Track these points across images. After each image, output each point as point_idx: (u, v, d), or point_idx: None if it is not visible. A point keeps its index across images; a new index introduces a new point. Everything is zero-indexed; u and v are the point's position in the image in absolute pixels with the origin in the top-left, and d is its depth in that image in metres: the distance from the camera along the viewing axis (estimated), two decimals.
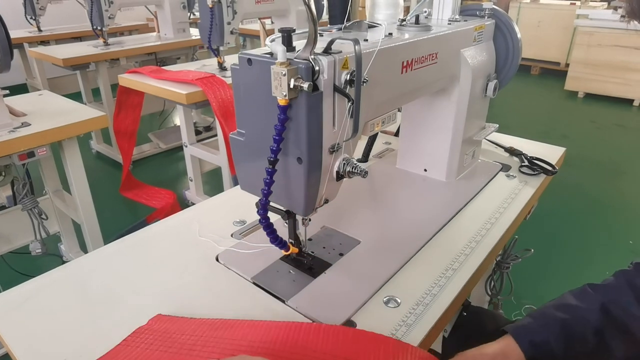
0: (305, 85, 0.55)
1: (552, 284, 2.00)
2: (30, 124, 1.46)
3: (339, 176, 0.68)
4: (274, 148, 0.61)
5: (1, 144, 1.33)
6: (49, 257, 2.00)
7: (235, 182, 2.20)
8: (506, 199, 1.03)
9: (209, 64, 2.37)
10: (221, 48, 2.19)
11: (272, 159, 0.61)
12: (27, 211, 1.65)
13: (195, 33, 3.34)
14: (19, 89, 1.95)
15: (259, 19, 2.53)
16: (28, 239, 1.81)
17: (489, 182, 1.10)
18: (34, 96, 1.82)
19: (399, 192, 1.05)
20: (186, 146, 2.41)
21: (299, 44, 0.62)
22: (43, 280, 0.77)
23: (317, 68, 0.58)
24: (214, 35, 2.12)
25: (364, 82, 0.61)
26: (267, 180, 0.62)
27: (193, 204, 2.59)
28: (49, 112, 1.61)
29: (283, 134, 0.61)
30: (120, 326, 0.66)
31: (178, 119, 3.92)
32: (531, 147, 1.28)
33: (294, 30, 0.61)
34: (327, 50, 0.61)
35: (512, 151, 1.26)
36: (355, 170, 0.67)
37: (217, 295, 0.73)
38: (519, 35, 1.06)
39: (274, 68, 0.56)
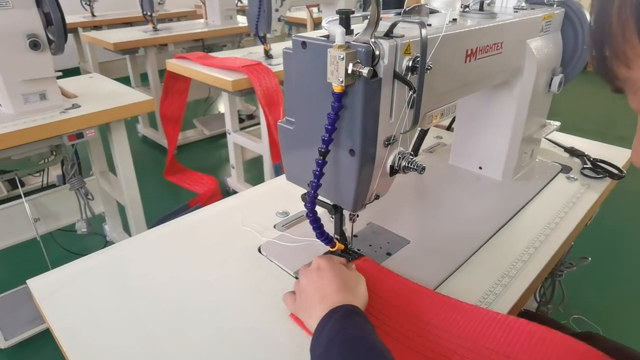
0: (365, 71, 0.50)
1: (605, 295, 1.88)
2: (80, 106, 1.49)
3: (393, 171, 0.63)
4: (326, 138, 0.57)
5: (53, 125, 1.36)
6: (93, 236, 2.06)
7: (277, 172, 2.19)
8: (567, 203, 0.95)
9: (255, 52, 2.36)
10: (268, 35, 2.17)
11: (323, 150, 0.57)
12: (74, 191, 1.69)
13: (242, 20, 3.34)
14: (72, 72, 1.99)
15: (307, 6, 2.49)
16: (74, 218, 1.86)
17: (547, 183, 1.02)
18: (85, 79, 1.86)
19: (451, 189, 0.99)
20: (229, 133, 2.42)
21: (356, 28, 0.58)
22: (86, 262, 0.76)
23: (377, 52, 0.53)
24: (261, 22, 2.10)
25: (427, 69, 0.56)
26: (317, 173, 0.58)
27: (234, 190, 2.62)
28: (98, 94, 1.63)
29: (336, 124, 0.57)
30: (158, 317, 0.65)
31: (222, 106, 3.97)
32: (594, 148, 1.19)
33: (353, 12, 0.57)
34: (388, 34, 0.56)
35: (572, 152, 1.17)
36: (411, 166, 0.63)
37: (259, 289, 0.70)
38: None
39: (330, 51, 0.52)
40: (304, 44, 0.58)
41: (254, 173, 2.78)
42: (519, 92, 0.93)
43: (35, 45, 1.35)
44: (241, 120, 3.19)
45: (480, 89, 0.86)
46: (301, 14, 3.87)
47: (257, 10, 2.07)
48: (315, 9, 3.64)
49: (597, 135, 1.27)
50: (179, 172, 2.66)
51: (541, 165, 1.09)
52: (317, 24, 3.11)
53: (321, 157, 0.58)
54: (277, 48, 2.36)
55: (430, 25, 0.65)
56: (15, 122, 1.35)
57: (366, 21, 0.64)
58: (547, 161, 1.12)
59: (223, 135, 3.37)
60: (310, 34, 0.60)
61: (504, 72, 0.86)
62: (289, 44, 2.65)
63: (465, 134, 1.04)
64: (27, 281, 0.71)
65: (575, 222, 0.88)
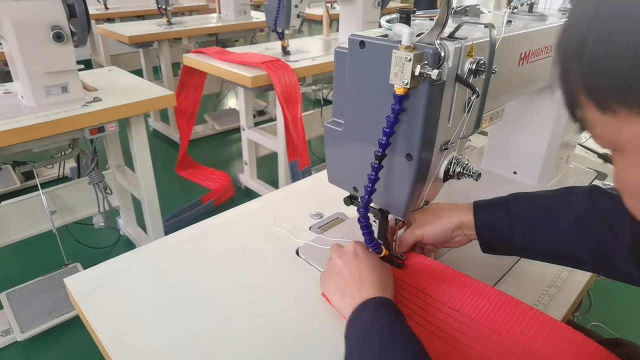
0: (434, 73, 0.48)
1: (625, 303, 1.85)
2: (101, 99, 1.48)
3: (447, 177, 0.61)
4: (384, 142, 0.55)
5: (75, 118, 1.35)
6: (107, 230, 2.05)
7: (292, 169, 2.18)
8: None
9: (272, 48, 2.34)
10: (286, 31, 2.14)
11: (380, 154, 0.55)
12: (93, 185, 1.68)
13: (255, 15, 3.31)
14: (85, 65, 1.98)
15: (325, 2, 2.46)
16: (89, 211, 1.85)
17: None
18: (104, 72, 1.85)
19: (485, 194, 0.96)
20: (244, 129, 2.40)
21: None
22: (121, 262, 0.75)
23: (442, 54, 0.51)
24: (280, 18, 2.07)
25: (493, 72, 0.54)
26: (372, 177, 0.57)
27: (246, 187, 2.60)
28: (118, 88, 1.62)
29: (394, 127, 0.55)
30: (201, 318, 0.63)
31: (232, 101, 3.95)
32: None
33: (414, 11, 0.55)
34: (452, 36, 0.54)
35: (607, 158, 1.15)
36: (466, 172, 0.61)
37: (302, 292, 0.68)
38: None
39: (396, 52, 0.50)
40: (362, 43, 0.56)
41: (266, 170, 2.77)
42: (560, 97, 0.90)
43: (58, 37, 1.34)
44: (252, 116, 3.17)
45: (526, 93, 0.84)
46: (315, 10, 3.84)
47: (276, 6, 2.05)
48: (329, 5, 3.60)
49: None
50: (191, 167, 2.65)
51: (576, 171, 1.07)
52: (332, 21, 3.08)
53: (377, 162, 0.56)
54: (294, 44, 2.34)
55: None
56: (37, 114, 1.33)
57: (429, 22, 0.63)
58: (582, 167, 1.09)
59: (234, 130, 3.35)
60: (367, 33, 0.57)
61: (551, 76, 0.84)
62: (302, 40, 2.63)
63: (500, 138, 1.02)
64: (65, 280, 0.69)
65: None
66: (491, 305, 0.62)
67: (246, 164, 2.52)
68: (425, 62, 0.50)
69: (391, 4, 2.59)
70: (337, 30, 2.58)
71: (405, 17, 0.54)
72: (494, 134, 1.03)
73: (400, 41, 0.50)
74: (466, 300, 0.63)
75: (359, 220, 0.61)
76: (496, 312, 0.61)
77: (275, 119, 2.23)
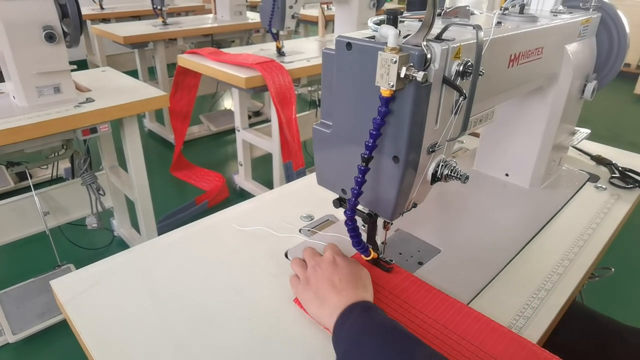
0: (420, 75, 0.48)
1: (625, 305, 1.85)
2: (94, 100, 1.47)
3: (434, 179, 0.61)
4: (370, 144, 0.54)
5: (68, 118, 1.34)
6: (101, 231, 2.04)
7: (287, 170, 2.17)
8: (598, 214, 0.92)
9: (267, 49, 2.33)
10: (281, 32, 2.14)
11: (366, 156, 0.55)
12: (86, 186, 1.67)
13: (251, 16, 3.31)
14: (80, 65, 1.97)
15: (320, 4, 2.46)
16: (83, 212, 1.84)
17: (576, 193, 1.00)
18: (97, 72, 1.84)
19: (477, 196, 0.97)
20: (239, 130, 2.39)
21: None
22: (110, 263, 0.74)
23: (429, 56, 0.51)
24: (275, 18, 2.07)
25: (480, 74, 0.54)
26: (359, 180, 0.56)
27: (241, 188, 2.59)
28: (112, 88, 1.61)
29: (381, 130, 0.54)
30: (188, 323, 0.63)
31: (228, 102, 3.94)
32: (620, 157, 1.16)
33: (401, 13, 0.55)
34: (439, 37, 0.54)
35: (599, 160, 1.15)
36: (454, 174, 0.60)
37: (290, 296, 0.68)
38: (627, 30, 0.95)
39: (382, 54, 0.49)
40: (349, 45, 0.56)
41: (262, 171, 2.76)
42: (552, 99, 0.90)
43: (50, 37, 1.33)
44: (247, 117, 3.16)
45: (516, 95, 0.83)
46: (310, 11, 3.84)
47: (271, 7, 2.05)
48: (325, 7, 3.60)
49: (606, 140, 1.27)
50: (186, 168, 2.64)
51: (568, 174, 1.07)
52: (328, 22, 3.08)
53: (364, 164, 0.55)
54: (288, 45, 2.33)
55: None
56: (30, 115, 1.32)
57: (418, 23, 0.62)
58: (574, 169, 1.09)
59: (229, 131, 3.35)
60: (355, 34, 0.57)
61: (541, 77, 0.84)
62: (297, 41, 2.63)
63: (492, 140, 1.02)
64: (51, 282, 0.68)
65: (609, 234, 0.85)
66: (467, 320, 0.62)
67: (241, 165, 2.51)
68: (411, 64, 0.50)
69: (387, 5, 2.59)
70: (333, 31, 2.58)
71: (392, 19, 0.54)
72: (486, 136, 1.03)
73: (387, 43, 0.50)
74: (443, 314, 0.63)
75: (346, 222, 0.60)
76: (472, 327, 0.61)
77: (271, 120, 2.23)
